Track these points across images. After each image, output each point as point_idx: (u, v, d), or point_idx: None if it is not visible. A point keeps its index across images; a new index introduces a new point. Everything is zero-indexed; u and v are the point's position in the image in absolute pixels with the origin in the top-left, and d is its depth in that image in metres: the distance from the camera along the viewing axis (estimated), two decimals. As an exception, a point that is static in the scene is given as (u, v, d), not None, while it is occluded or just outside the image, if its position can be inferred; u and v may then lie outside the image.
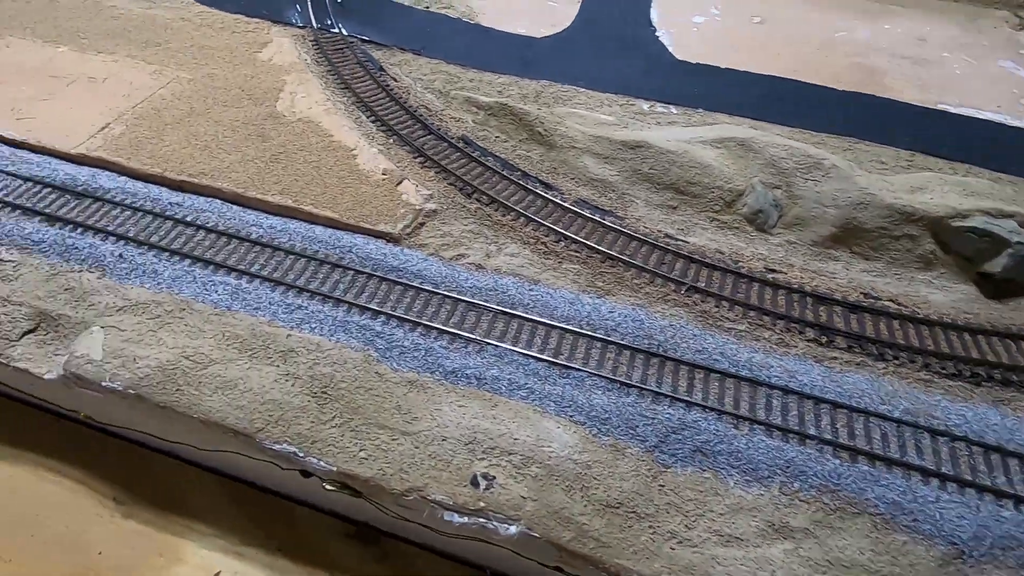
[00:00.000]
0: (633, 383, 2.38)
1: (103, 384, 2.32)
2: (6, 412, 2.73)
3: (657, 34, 2.14)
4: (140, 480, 2.65)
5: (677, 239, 1.43)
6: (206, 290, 2.56)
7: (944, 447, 2.00)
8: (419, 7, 3.06)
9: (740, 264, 1.96)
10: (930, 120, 1.48)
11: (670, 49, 2.03)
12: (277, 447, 2.25)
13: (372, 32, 2.34)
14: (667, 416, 2.23)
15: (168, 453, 2.76)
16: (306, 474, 2.33)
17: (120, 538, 2.50)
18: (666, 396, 2.24)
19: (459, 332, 2.54)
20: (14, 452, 2.63)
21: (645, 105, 1.77)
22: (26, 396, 2.79)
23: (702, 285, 1.65)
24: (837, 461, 1.95)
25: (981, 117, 1.49)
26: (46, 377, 2.38)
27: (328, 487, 2.32)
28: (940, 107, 1.51)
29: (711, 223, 1.43)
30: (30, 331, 2.30)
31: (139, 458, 2.73)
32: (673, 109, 1.77)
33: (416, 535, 2.45)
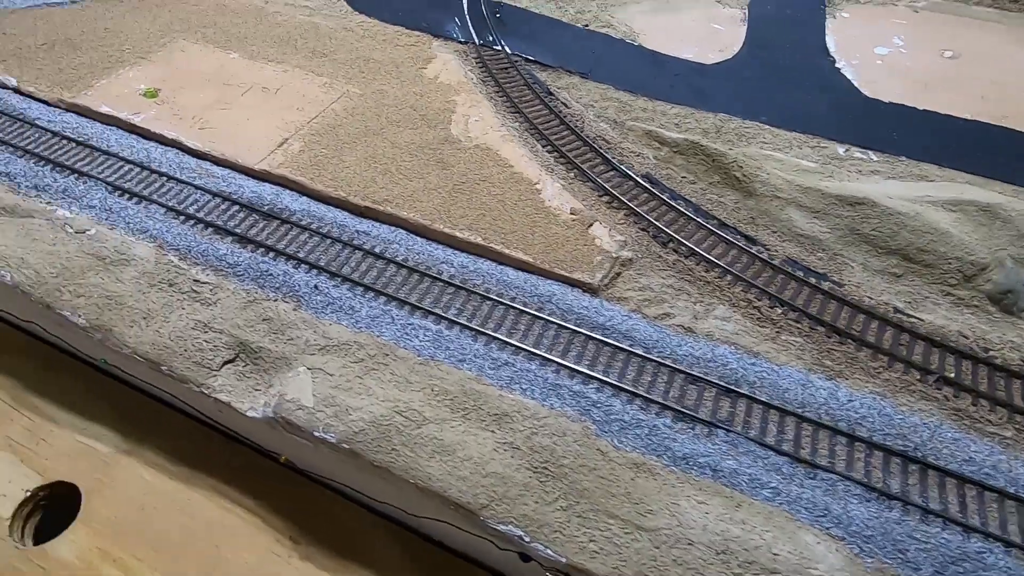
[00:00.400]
0: (894, 494, 2.07)
1: (315, 434, 2.23)
2: (192, 433, 2.64)
3: (838, 65, 2.00)
4: (319, 521, 2.54)
5: (909, 315, 1.27)
6: (406, 335, 2.44)
7: None
8: (578, 25, 3.01)
9: (991, 353, 1.72)
10: None
11: (856, 84, 1.88)
12: (502, 527, 2.09)
13: (535, 51, 2.27)
14: (942, 541, 1.94)
15: (349, 496, 2.66)
16: (525, 558, 2.17)
17: (297, 581, 2.87)
18: (937, 515, 1.94)
19: (683, 409, 2.31)
20: (194, 474, 2.55)
21: (840, 149, 1.63)
22: (215, 423, 2.72)
23: (952, 376, 1.48)
24: None
25: None
26: (249, 414, 2.29)
27: (553, 579, 2.45)
28: None
29: (944, 298, 1.25)
30: (229, 361, 2.25)
31: (318, 496, 2.62)
32: (872, 155, 1.62)
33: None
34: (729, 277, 2.19)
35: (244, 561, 2.37)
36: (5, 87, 2.54)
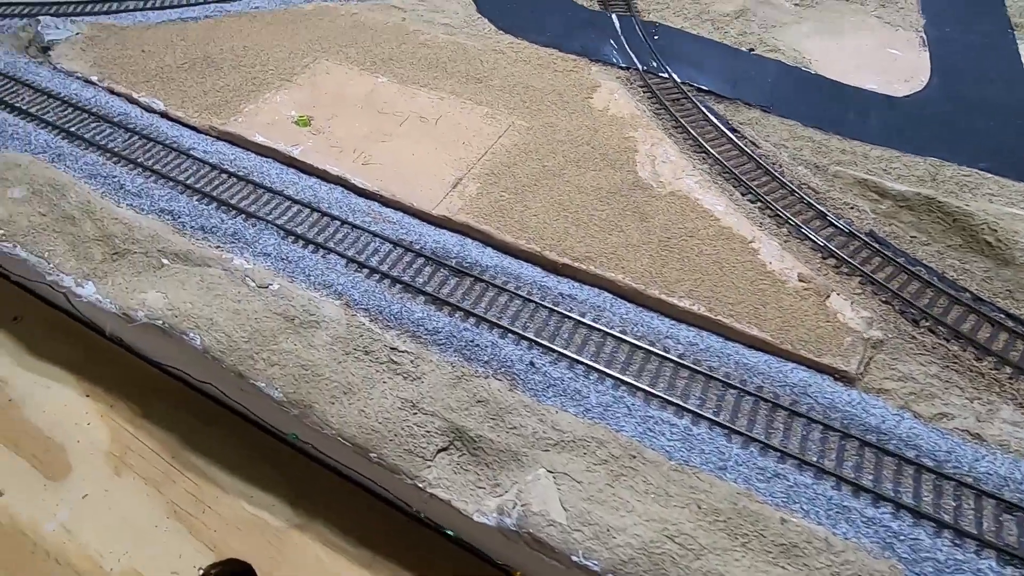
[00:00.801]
0: None
1: (573, 559, 1.85)
2: (374, 511, 2.33)
3: None
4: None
5: None
6: (650, 431, 2.10)
7: None
8: (743, 49, 2.89)
9: None
10: None
11: None
12: None
13: (706, 79, 2.15)
14: None
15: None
16: None
17: None
18: None
19: (1007, 549, 1.87)
20: (376, 559, 2.24)
21: None
22: (410, 509, 2.37)
23: None
24: None
25: None
26: (476, 519, 1.96)
27: None
28: None
29: None
30: (443, 449, 2.00)
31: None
32: None
33: None
34: (1008, 369, 1.96)
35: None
36: (152, 110, 2.50)
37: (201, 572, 1.97)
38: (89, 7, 2.11)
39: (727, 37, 2.46)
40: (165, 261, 1.97)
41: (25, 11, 1.99)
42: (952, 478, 1.98)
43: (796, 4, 2.44)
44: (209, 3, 2.71)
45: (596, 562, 1.78)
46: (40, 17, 1.77)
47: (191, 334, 1.67)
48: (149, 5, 2.39)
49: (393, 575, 2.08)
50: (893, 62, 2.61)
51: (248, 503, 2.06)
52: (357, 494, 2.32)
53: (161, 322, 1.58)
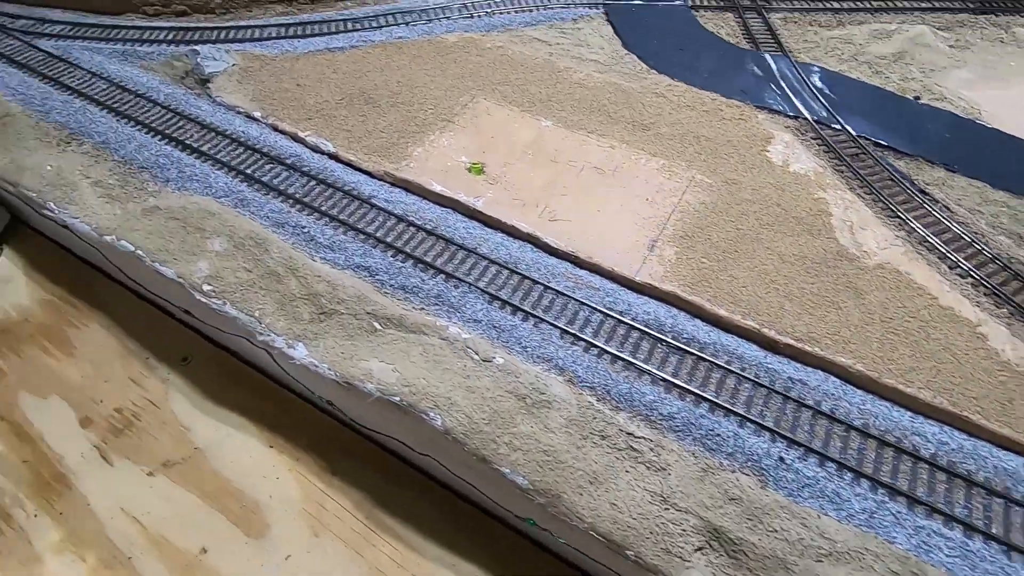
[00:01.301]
0: None
1: None
2: None
3: None
4: None
5: None
6: (924, 543, 1.91)
7: None
8: (908, 96, 2.80)
9: None
10: None
11: None
12: None
13: (880, 132, 2.06)
14: None
15: None
16: None
17: None
18: None
19: None
20: None
21: None
22: None
23: None
24: None
25: None
26: None
27: None
28: None
29: None
30: (700, 548, 1.90)
31: None
32: None
33: None
34: None
35: None
36: (321, 151, 2.43)
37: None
38: (233, 33, 2.04)
39: (889, 83, 2.34)
40: (377, 325, 1.92)
41: (168, 36, 1.91)
42: None
43: (951, 46, 2.32)
44: (353, 32, 2.65)
45: None
46: (198, 47, 1.69)
47: (431, 414, 1.60)
48: (293, 33, 2.34)
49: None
50: None
51: (451, 572, 1.95)
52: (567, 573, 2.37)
53: (399, 399, 1.52)
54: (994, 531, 2.00)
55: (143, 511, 1.41)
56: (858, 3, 2.26)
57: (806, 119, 2.13)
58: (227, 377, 1.67)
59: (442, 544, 1.77)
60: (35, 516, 1.28)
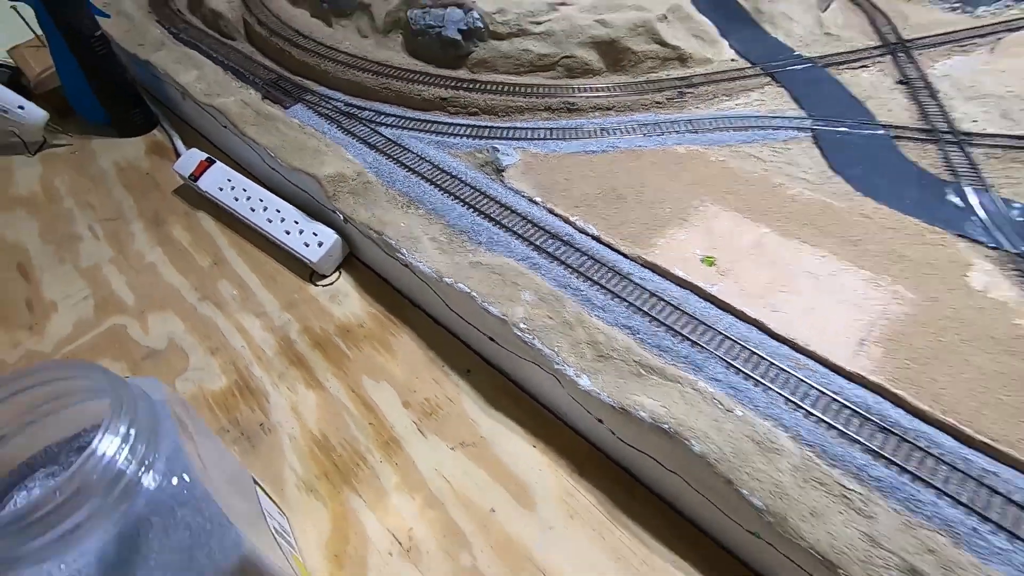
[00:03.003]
0: None
1: None
2: None
3: None
4: None
5: None
6: None
7: None
8: None
9: None
10: None
11: None
12: None
13: None
14: None
15: None
16: None
17: None
18: None
19: None
20: None
21: None
22: None
23: None
24: None
25: None
26: None
27: None
28: None
29: None
30: None
31: None
32: None
33: None
34: None
35: None
36: (586, 234, 3.02)
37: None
38: (515, 133, 2.53)
39: None
40: (642, 371, 2.40)
41: (467, 132, 2.40)
42: None
43: None
44: (603, 138, 3.21)
45: None
46: (497, 144, 2.15)
47: (692, 441, 1.99)
48: (558, 136, 2.88)
49: None
50: None
51: (673, 566, 2.28)
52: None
53: (668, 427, 1.90)
54: None
55: (450, 474, 1.74)
56: None
57: (1006, 251, 2.16)
58: (499, 390, 2.03)
59: (663, 543, 2.02)
60: (381, 462, 1.67)
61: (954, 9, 2.04)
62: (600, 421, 1.37)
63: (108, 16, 1.57)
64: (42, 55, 1.79)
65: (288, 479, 1.23)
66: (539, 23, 1.57)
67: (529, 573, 1.16)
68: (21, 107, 1.62)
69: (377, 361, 1.44)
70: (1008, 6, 2.09)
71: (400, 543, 1.05)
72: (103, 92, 1.57)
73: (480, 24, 1.55)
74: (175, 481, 0.50)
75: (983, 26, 1.95)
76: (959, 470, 1.54)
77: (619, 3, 1.59)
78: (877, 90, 1.62)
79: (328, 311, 1.41)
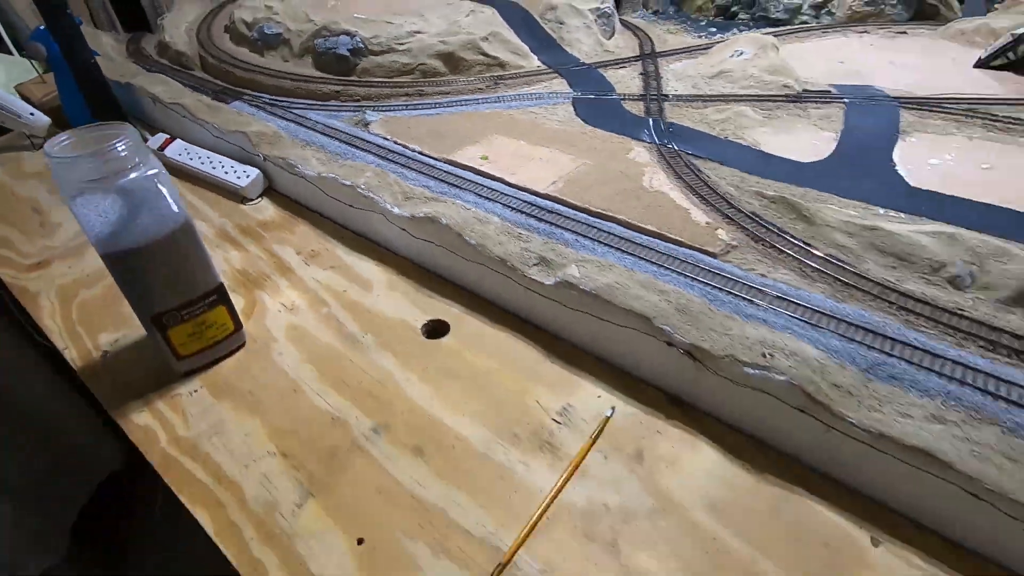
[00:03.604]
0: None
1: None
2: None
3: (896, 168, 2.59)
4: None
5: (894, 284, 1.88)
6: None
7: None
8: (721, 136, 3.92)
9: (958, 310, 2.31)
10: None
11: (906, 179, 2.47)
12: None
13: (692, 149, 3.14)
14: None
15: None
16: None
17: None
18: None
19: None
20: None
21: (880, 211, 2.19)
22: None
23: (910, 307, 2.16)
24: None
25: None
26: None
27: None
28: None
29: (920, 279, 1.83)
30: None
31: None
32: (902, 215, 2.20)
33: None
34: (790, 257, 3.03)
35: None
36: (414, 151, 2.44)
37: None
38: (381, 105, 2.96)
39: (714, 131, 3.40)
40: (430, 198, 1.59)
41: (349, 109, 2.88)
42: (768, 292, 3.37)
43: (764, 117, 3.32)
44: (438, 108, 3.82)
45: None
46: (368, 113, 2.70)
47: (447, 222, 1.79)
48: (409, 108, 3.41)
49: None
50: (813, 148, 2.91)
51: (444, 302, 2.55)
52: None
53: (443, 221, 1.73)
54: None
55: (322, 281, 1.09)
56: (713, 100, 3.31)
57: (656, 144, 3.20)
58: (355, 240, 1.00)
59: (438, 293, 1.97)
60: (280, 278, 0.83)
61: (699, 35, 2.60)
62: (404, 230, 1.71)
63: (98, 54, 2.02)
64: (41, 88, 2.26)
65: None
66: (402, 44, 2.04)
67: (363, 313, 1.46)
68: (32, 113, 2.02)
69: (282, 236, 1.81)
70: (732, 33, 2.63)
71: (285, 307, 1.42)
72: (94, 104, 1.91)
73: (362, 45, 2.03)
74: (149, 173, 0.95)
75: (707, 44, 2.51)
76: (582, 223, 1.90)
77: (456, 30, 2.08)
78: (625, 79, 2.16)
79: (252, 216, 1.76)
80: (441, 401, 1.17)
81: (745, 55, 2.18)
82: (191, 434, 1.07)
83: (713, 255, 1.46)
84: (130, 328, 1.33)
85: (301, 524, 0.94)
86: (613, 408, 1.16)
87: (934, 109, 1.77)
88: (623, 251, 1.49)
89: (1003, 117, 1.74)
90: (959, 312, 1.19)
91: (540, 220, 1.63)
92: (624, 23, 2.60)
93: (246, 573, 0.88)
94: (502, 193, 1.74)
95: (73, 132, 1.05)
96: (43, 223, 1.74)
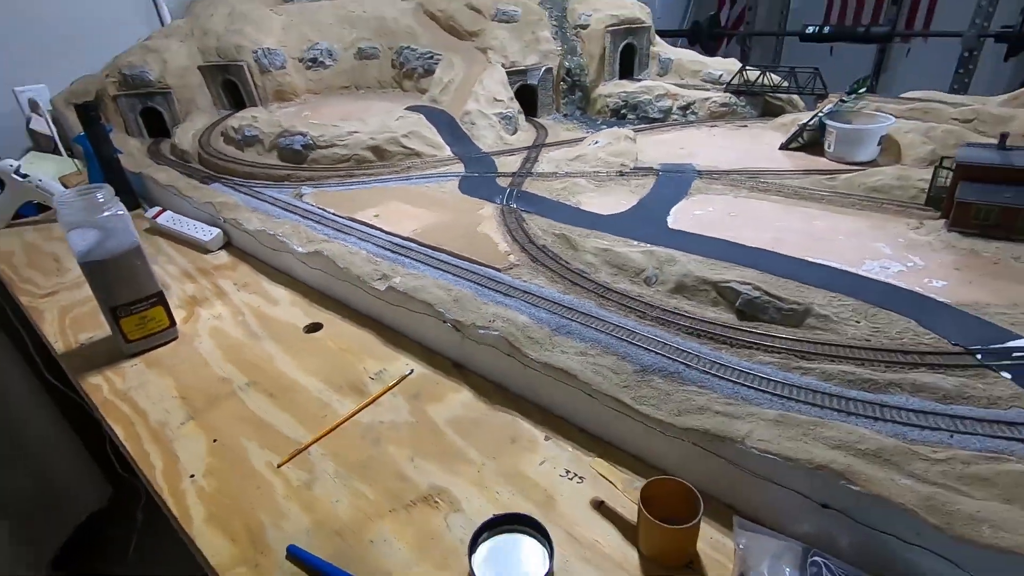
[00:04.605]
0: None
1: None
2: None
3: (667, 217, 2.99)
4: None
5: (610, 284, 2.28)
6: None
7: None
8: (554, 199, 4.35)
9: (637, 296, 2.09)
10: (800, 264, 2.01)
11: (669, 224, 2.85)
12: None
13: (525, 207, 3.64)
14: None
15: None
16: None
17: None
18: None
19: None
20: None
21: (634, 243, 2.52)
22: None
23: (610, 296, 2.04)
24: None
25: (836, 267, 1.91)
26: None
27: None
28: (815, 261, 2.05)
29: (628, 281, 2.16)
30: None
31: None
32: (645, 244, 2.54)
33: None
34: (551, 270, 2.29)
35: None
36: (330, 212, 1.96)
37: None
38: (318, 184, 2.80)
39: (551, 195, 3.87)
40: (324, 240, 1.96)
41: (293, 186, 2.84)
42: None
43: (595, 186, 3.67)
44: (358, 185, 3.74)
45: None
46: (304, 188, 2.70)
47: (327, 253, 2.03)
48: (335, 185, 2.65)
49: None
50: (619, 204, 3.54)
51: None
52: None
53: (326, 254, 1.78)
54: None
55: (248, 298, 1.41)
56: (561, 175, 3.13)
57: (501, 205, 3.65)
58: (268, 271, 1.65)
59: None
60: (216, 297, 1.30)
61: (589, 131, 2.89)
62: (303, 262, 2.12)
63: (121, 152, 2.45)
64: (77, 177, 2.71)
65: (175, 293, 1.98)
66: (342, 140, 2.41)
67: (267, 319, 1.90)
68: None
69: (227, 273, 2.15)
70: (601, 128, 2.85)
71: (214, 316, 1.82)
72: (113, 187, 2.16)
73: (311, 142, 2.38)
74: (118, 213, 1.36)
75: (582, 137, 2.87)
76: (419, 252, 2.22)
77: (384, 129, 2.42)
78: (509, 163, 2.43)
79: (209, 261, 2.10)
80: (299, 369, 1.50)
81: (599, 143, 2.52)
82: (124, 387, 1.43)
83: (497, 269, 1.77)
84: (102, 331, 1.70)
85: (181, 433, 1.29)
86: (412, 369, 1.48)
87: (720, 178, 2.10)
88: (435, 268, 1.81)
89: (768, 182, 2.10)
90: (639, 298, 1.54)
91: (393, 252, 1.94)
92: (533, 122, 2.97)
93: (139, 459, 1.23)
94: (375, 236, 2.09)
95: (72, 190, 1.48)
96: (58, 268, 2.11)
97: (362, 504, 1.07)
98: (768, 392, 1.14)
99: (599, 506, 1.00)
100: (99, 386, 1.51)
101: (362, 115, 2.75)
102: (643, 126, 2.92)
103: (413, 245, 1.99)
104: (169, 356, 1.66)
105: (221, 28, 2.95)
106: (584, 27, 3.08)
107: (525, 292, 1.59)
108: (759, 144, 2.57)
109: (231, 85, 2.93)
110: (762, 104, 2.76)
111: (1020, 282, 1.33)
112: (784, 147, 2.41)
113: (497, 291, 1.61)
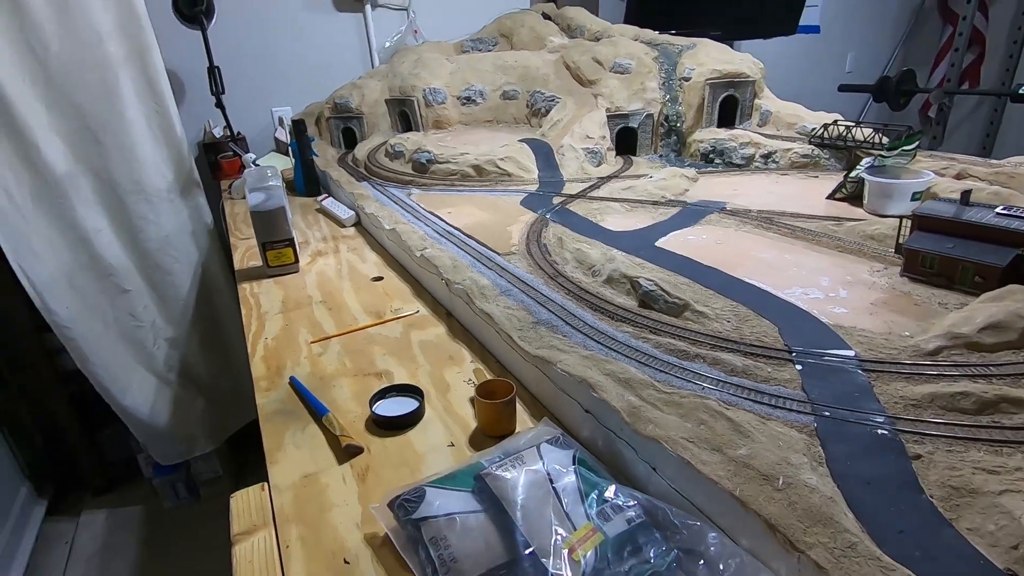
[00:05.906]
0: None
1: None
2: None
3: (660, 238, 2.65)
4: None
5: (566, 272, 2.14)
6: None
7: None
8: (583, 215, 2.64)
9: (576, 281, 2.41)
10: (753, 292, 1.61)
11: (656, 243, 2.56)
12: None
13: (555, 218, 1.98)
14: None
15: None
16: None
17: None
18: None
19: None
20: None
21: (616, 252, 2.32)
22: None
23: (568, 287, 2.27)
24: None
25: (758, 286, 1.53)
26: None
27: None
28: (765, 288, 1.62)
29: (582, 273, 2.03)
30: None
31: None
32: (612, 250, 2.33)
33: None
34: (532, 258, 2.75)
35: None
36: (425, 209, 1.56)
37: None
38: (431, 187, 2.04)
39: (583, 213, 2.36)
40: (398, 224, 1.52)
41: (412, 186, 2.29)
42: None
43: (626, 210, 4.12)
44: (457, 191, 1.83)
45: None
46: (413, 188, 2.46)
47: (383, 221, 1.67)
48: (439, 189, 2.02)
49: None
50: (634, 224, 4.34)
51: None
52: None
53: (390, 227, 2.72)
54: None
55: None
56: (604, 200, 1.67)
57: (539, 215, 2.84)
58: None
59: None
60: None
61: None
62: (388, 238, 2.46)
63: (316, 155, 3.01)
64: (290, 172, 3.38)
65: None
66: (455, 159, 2.68)
67: (355, 273, 2.38)
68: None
69: (348, 242, 2.53)
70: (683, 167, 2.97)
71: (325, 264, 2.32)
72: (306, 179, 2.81)
73: (433, 157, 2.68)
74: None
75: (648, 173, 2.91)
76: (456, 237, 2.58)
77: (488, 153, 2.70)
78: (574, 188, 2.64)
79: (343, 233, 2.53)
80: (354, 300, 2.01)
81: (653, 179, 2.59)
82: (257, 292, 2.01)
83: (500, 254, 1.95)
84: (257, 260, 2.32)
85: (272, 318, 1.92)
86: (417, 310, 1.79)
87: (738, 215, 2.17)
88: (458, 247, 2.05)
89: (781, 223, 2.07)
90: (578, 283, 1.76)
91: (439, 235, 2.19)
92: (627, 159, 3.16)
93: (246, 326, 1.85)
94: (436, 224, 2.36)
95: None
96: (249, 224, 2.61)
97: (341, 369, 1.47)
98: (607, 347, 1.29)
99: (472, 401, 1.33)
100: (246, 288, 2.07)
101: (488, 143, 3.00)
102: (723, 170, 2.97)
103: (456, 232, 2.25)
104: (287, 280, 2.13)
105: (406, 72, 3.47)
106: (687, 79, 3.22)
107: (503, 268, 1.82)
108: (810, 192, 2.51)
109: (405, 115, 3.40)
110: (847, 157, 2.68)
111: (919, 319, 1.31)
112: (831, 196, 2.37)
113: (485, 265, 1.86)
